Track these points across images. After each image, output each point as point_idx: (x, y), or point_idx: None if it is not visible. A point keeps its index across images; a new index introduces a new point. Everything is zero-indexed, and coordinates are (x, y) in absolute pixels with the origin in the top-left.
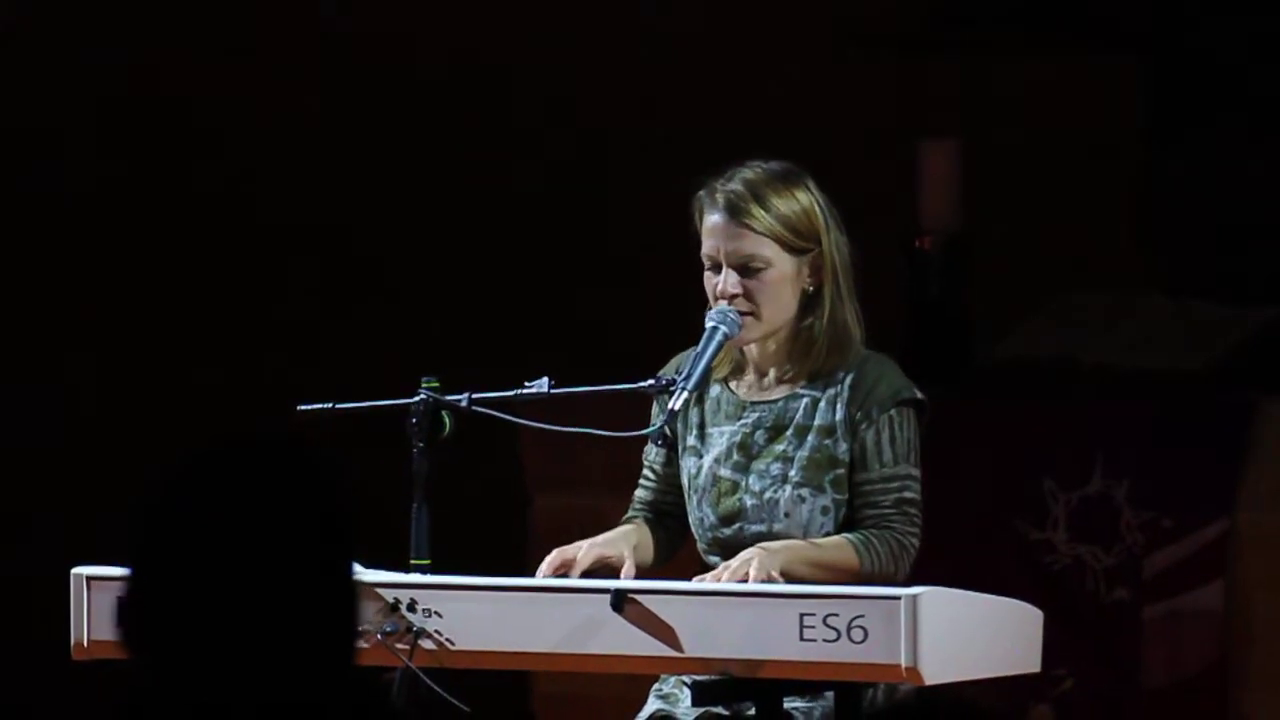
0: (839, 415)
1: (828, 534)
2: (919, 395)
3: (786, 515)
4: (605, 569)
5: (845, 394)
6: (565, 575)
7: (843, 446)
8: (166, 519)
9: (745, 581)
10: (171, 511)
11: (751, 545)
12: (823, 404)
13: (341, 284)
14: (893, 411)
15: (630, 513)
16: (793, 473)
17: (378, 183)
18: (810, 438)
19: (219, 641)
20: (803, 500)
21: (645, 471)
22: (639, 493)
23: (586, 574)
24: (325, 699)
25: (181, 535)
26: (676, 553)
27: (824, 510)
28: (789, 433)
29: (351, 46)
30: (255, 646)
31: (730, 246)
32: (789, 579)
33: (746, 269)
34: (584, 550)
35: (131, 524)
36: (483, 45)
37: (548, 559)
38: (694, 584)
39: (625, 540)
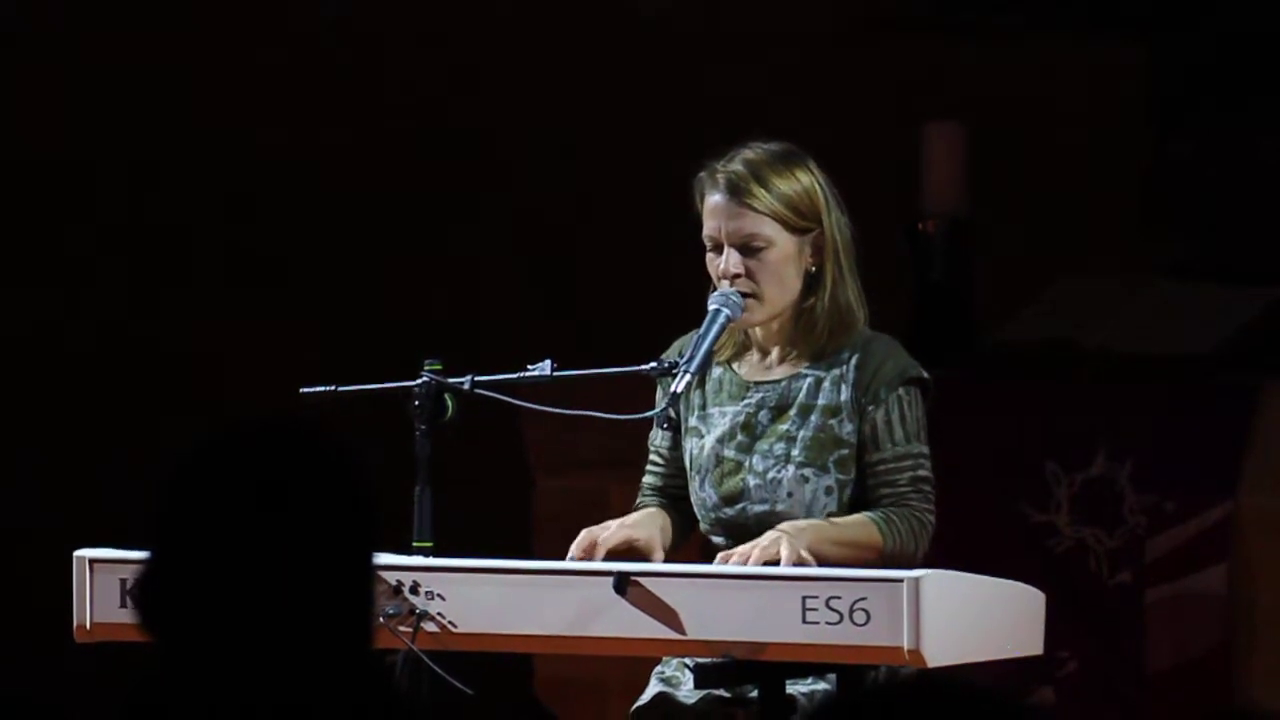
0: (844, 396)
1: (831, 514)
2: (924, 374)
3: (789, 495)
4: (631, 552)
5: (851, 374)
6: (592, 556)
7: (848, 427)
8: (188, 500)
9: (777, 562)
10: (194, 493)
11: (754, 525)
12: (827, 383)
13: (341, 265)
14: (901, 391)
15: (641, 499)
16: (796, 452)
17: (375, 171)
18: (814, 417)
19: (237, 623)
20: (806, 480)
21: (652, 456)
22: (647, 479)
23: (614, 555)
24: (340, 681)
25: (203, 516)
26: (689, 536)
27: (827, 490)
28: (792, 412)
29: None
30: (273, 628)
31: (731, 226)
32: (815, 558)
33: (748, 249)
34: (612, 530)
35: (153, 505)
36: (479, 38)
37: (577, 540)
38: (696, 566)
39: (651, 523)
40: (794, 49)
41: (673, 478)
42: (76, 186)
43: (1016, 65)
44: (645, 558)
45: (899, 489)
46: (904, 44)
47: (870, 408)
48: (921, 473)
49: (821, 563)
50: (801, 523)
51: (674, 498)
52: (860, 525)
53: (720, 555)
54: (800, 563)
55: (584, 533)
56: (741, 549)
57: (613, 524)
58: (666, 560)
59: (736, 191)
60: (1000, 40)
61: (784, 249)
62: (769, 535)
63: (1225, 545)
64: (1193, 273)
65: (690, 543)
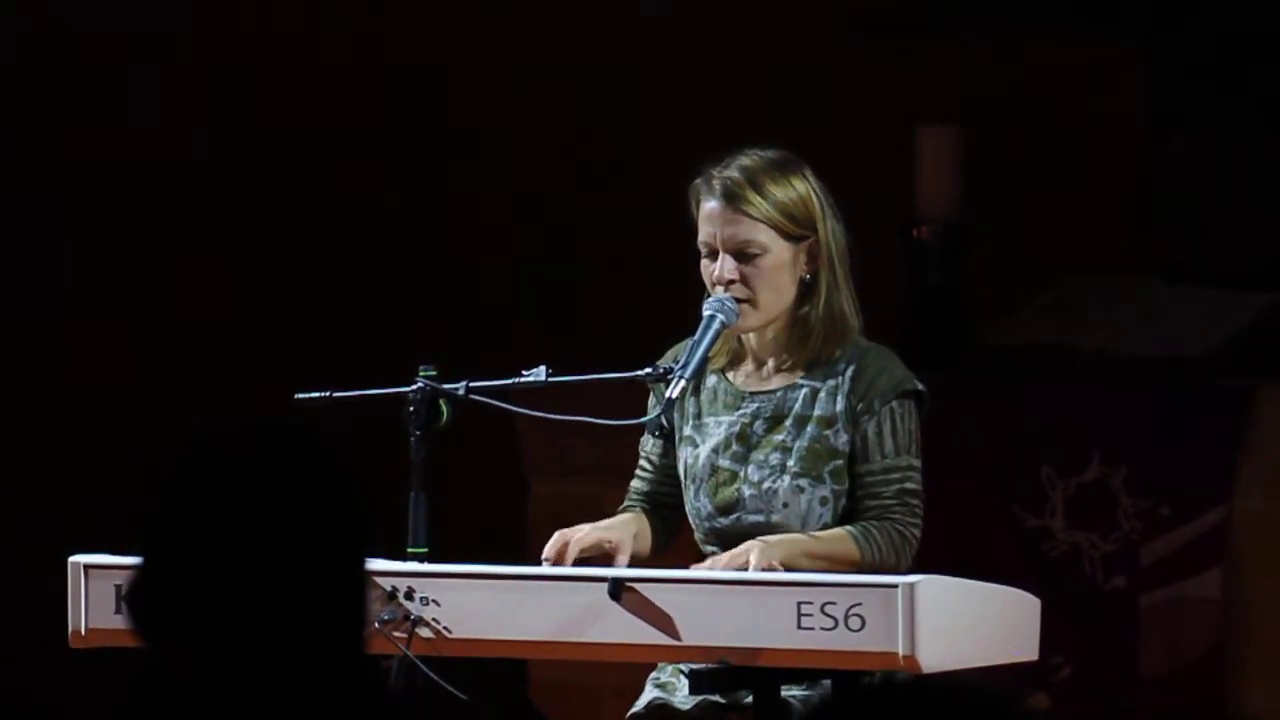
0: (839, 406)
1: (826, 525)
2: (919, 387)
3: (785, 505)
4: (603, 556)
5: (846, 385)
6: (565, 557)
7: (843, 438)
8: (180, 503)
9: (744, 571)
10: (185, 496)
11: (749, 535)
12: (823, 394)
13: (339, 270)
14: (894, 403)
15: (627, 503)
16: (791, 463)
17: (372, 172)
18: (809, 428)
19: (230, 627)
20: (801, 490)
21: (642, 462)
22: (635, 483)
23: (584, 559)
24: (333, 686)
25: (195, 520)
26: (674, 542)
27: (823, 501)
28: (788, 423)
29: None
30: (267, 633)
31: (727, 232)
32: (790, 571)
33: (743, 255)
34: (585, 532)
35: (145, 508)
36: (478, 34)
37: (550, 541)
38: (692, 572)
39: (625, 527)
40: (790, 51)
41: (660, 484)
42: (72, 188)
43: (1011, 67)
44: (611, 560)
45: (884, 501)
46: (898, 46)
47: (864, 419)
48: (909, 486)
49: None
50: (775, 537)
51: (659, 504)
52: (837, 539)
53: (692, 567)
54: (768, 571)
55: (557, 534)
56: (711, 559)
57: (585, 526)
58: (649, 566)
59: (733, 198)
60: (995, 42)
61: (779, 256)
62: (742, 545)
63: (1220, 549)
64: (1188, 275)
65: (676, 551)
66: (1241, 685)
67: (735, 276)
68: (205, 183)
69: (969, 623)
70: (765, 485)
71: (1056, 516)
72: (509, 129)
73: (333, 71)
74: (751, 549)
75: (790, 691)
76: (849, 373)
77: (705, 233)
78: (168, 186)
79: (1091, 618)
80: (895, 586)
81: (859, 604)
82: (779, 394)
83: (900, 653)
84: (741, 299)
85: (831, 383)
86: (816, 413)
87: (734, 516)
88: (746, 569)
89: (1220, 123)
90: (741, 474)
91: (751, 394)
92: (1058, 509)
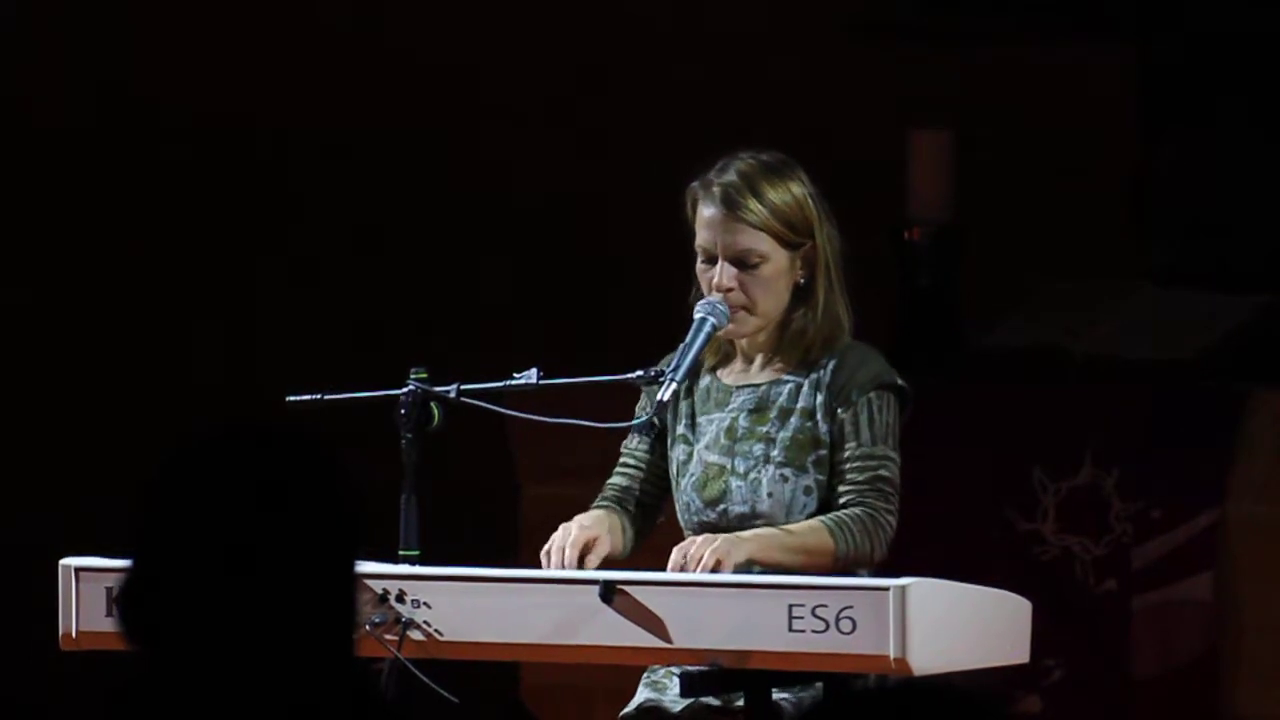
0: (819, 399)
1: (812, 514)
2: (900, 381)
3: (769, 495)
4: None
5: (827, 378)
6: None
7: (823, 428)
8: (169, 506)
9: (719, 569)
10: (174, 499)
11: (735, 527)
12: (805, 387)
13: (335, 271)
14: (872, 394)
15: (602, 499)
16: (775, 453)
17: (374, 172)
18: (793, 419)
19: (220, 630)
20: (785, 480)
21: (625, 459)
22: (616, 479)
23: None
24: (323, 689)
25: (184, 523)
26: (643, 543)
27: (806, 490)
28: (772, 414)
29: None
30: (256, 636)
31: (727, 240)
32: (764, 567)
33: (742, 263)
34: (575, 534)
35: (135, 511)
36: (477, 40)
37: (558, 556)
38: (685, 575)
39: (600, 524)
40: (783, 54)
41: (644, 483)
42: (69, 192)
43: (1003, 70)
44: (585, 553)
45: (858, 486)
46: (890, 49)
47: (840, 410)
48: (884, 474)
49: (771, 571)
50: (748, 532)
51: (637, 502)
52: (811, 531)
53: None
54: (717, 569)
55: (554, 548)
56: (678, 553)
57: (571, 526)
58: (645, 565)
59: (732, 205)
60: (987, 45)
61: (777, 263)
62: (704, 538)
63: (1211, 552)
64: (1180, 278)
65: (665, 553)
66: (1233, 688)
67: (734, 285)
68: (205, 183)
69: (960, 625)
70: (750, 475)
71: (1048, 520)
72: (509, 128)
73: (332, 71)
74: (707, 544)
75: (782, 694)
76: (830, 366)
77: (704, 239)
78: (167, 187)
79: (1083, 621)
80: (886, 589)
81: (850, 606)
82: (764, 387)
83: (891, 655)
84: (739, 305)
85: (814, 376)
86: (799, 405)
87: (720, 509)
88: (719, 565)
89: (1214, 126)
90: (728, 466)
91: (739, 388)
92: (1049, 512)
